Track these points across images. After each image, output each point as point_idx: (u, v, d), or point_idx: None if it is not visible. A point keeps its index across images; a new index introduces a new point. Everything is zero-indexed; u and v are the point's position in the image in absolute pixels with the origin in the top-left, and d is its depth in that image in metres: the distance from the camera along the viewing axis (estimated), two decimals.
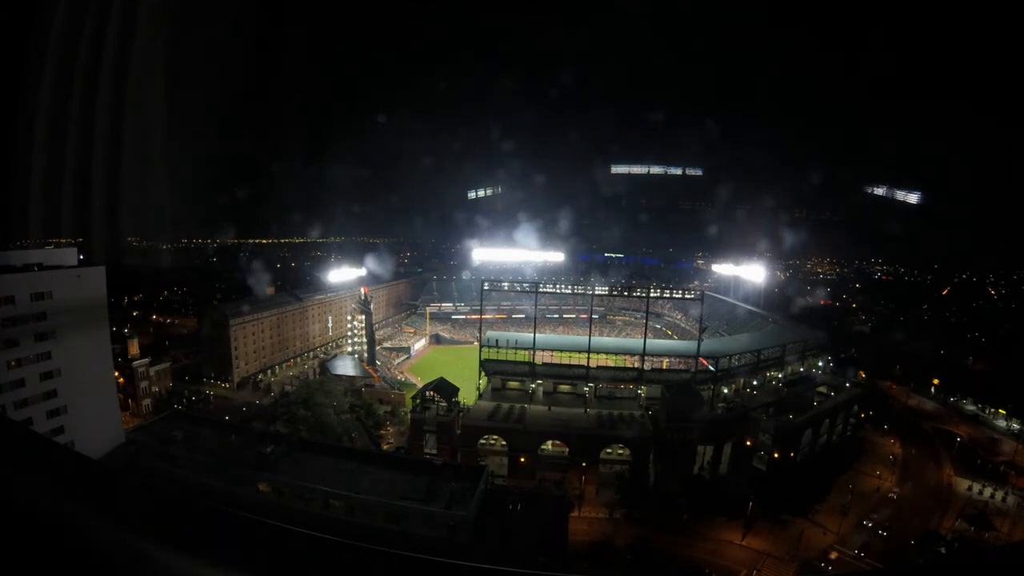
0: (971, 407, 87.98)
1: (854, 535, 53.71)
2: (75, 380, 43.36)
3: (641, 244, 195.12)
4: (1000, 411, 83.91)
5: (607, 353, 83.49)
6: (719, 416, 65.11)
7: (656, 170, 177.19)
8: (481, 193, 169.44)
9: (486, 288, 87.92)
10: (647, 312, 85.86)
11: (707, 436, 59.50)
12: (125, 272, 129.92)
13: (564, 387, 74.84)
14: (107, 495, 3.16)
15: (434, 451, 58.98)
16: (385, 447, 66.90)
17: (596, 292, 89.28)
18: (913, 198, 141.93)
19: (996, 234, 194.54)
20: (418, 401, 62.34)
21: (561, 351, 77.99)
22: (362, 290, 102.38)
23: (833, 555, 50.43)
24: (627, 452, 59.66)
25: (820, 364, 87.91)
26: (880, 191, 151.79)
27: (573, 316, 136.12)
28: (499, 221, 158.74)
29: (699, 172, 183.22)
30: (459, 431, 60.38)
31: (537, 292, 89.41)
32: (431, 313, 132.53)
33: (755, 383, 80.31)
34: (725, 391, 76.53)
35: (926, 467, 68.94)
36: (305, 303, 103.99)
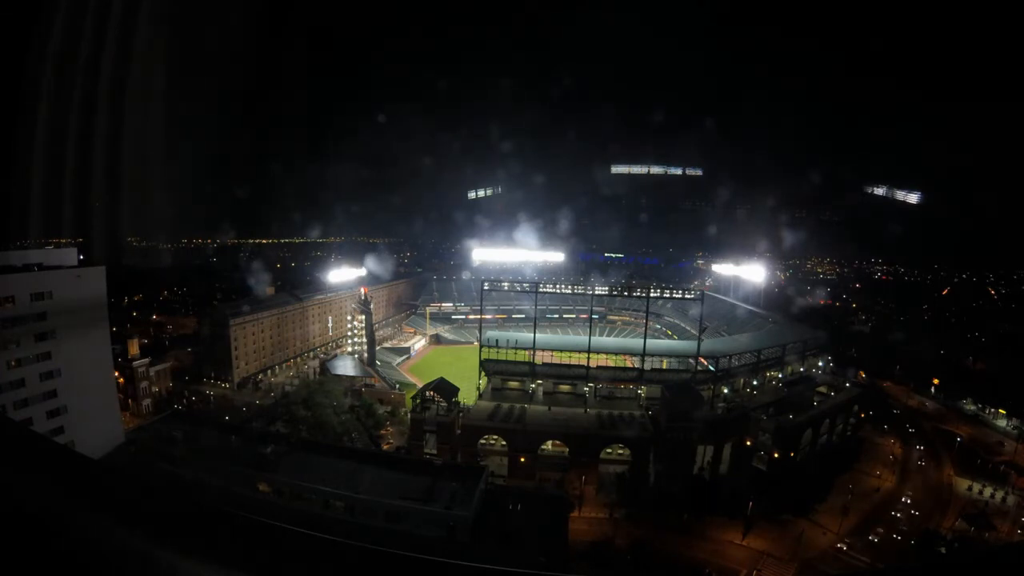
0: (971, 407, 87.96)
1: (854, 535, 53.73)
2: (75, 380, 43.39)
3: (641, 244, 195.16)
4: (1000, 411, 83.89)
5: (607, 353, 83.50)
6: (719, 416, 65.07)
7: (656, 170, 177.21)
8: (481, 193, 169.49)
9: (486, 288, 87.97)
10: (647, 312, 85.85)
11: (707, 436, 59.46)
12: (125, 272, 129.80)
13: (564, 387, 74.82)
14: (107, 495, 3.16)
15: (434, 451, 58.95)
16: (385, 447, 66.84)
17: (596, 292, 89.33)
18: (913, 198, 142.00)
19: (996, 234, 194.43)
20: (418, 401, 62.32)
21: (561, 351, 77.97)
22: (362, 290, 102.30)
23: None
24: (627, 452, 59.65)
25: (820, 364, 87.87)
26: (880, 191, 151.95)
27: (573, 316, 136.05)
28: (499, 221, 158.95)
29: (699, 172, 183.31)
30: (459, 431, 60.36)
31: (537, 292, 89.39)
32: (431, 313, 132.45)
33: (755, 383, 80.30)
34: (725, 391, 76.49)
35: (926, 467, 68.98)
36: (305, 303, 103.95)
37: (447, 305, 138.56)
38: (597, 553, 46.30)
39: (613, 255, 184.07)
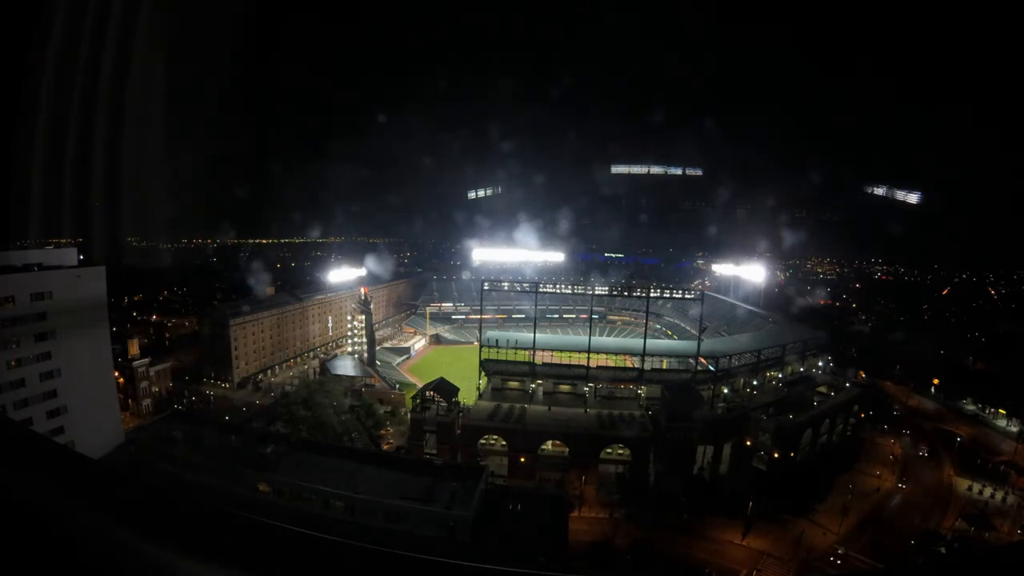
0: (971, 407, 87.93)
1: (854, 535, 53.71)
2: (75, 380, 43.41)
3: (641, 244, 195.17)
4: (1000, 411, 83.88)
5: (607, 353, 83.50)
6: (719, 416, 65.09)
7: (656, 170, 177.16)
8: (481, 193, 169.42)
9: (486, 288, 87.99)
10: (647, 312, 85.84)
11: (707, 436, 59.48)
12: (125, 272, 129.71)
13: (564, 387, 74.82)
14: (107, 495, 3.16)
15: (434, 451, 58.98)
16: (385, 447, 66.86)
17: (596, 292, 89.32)
18: (913, 198, 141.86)
19: (996, 234, 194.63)
20: (418, 401, 62.33)
21: (561, 351, 77.97)
22: (362, 290, 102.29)
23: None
24: (627, 452, 59.65)
25: (820, 364, 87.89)
26: (880, 191, 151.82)
27: (573, 316, 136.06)
28: (499, 221, 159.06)
29: (699, 172, 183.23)
30: (459, 431, 60.37)
31: (537, 292, 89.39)
32: (431, 313, 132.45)
33: (755, 383, 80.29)
34: (725, 391, 76.49)
35: (926, 467, 68.96)
36: (305, 303, 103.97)
37: (447, 305, 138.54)
38: (597, 553, 46.31)
39: (613, 255, 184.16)
